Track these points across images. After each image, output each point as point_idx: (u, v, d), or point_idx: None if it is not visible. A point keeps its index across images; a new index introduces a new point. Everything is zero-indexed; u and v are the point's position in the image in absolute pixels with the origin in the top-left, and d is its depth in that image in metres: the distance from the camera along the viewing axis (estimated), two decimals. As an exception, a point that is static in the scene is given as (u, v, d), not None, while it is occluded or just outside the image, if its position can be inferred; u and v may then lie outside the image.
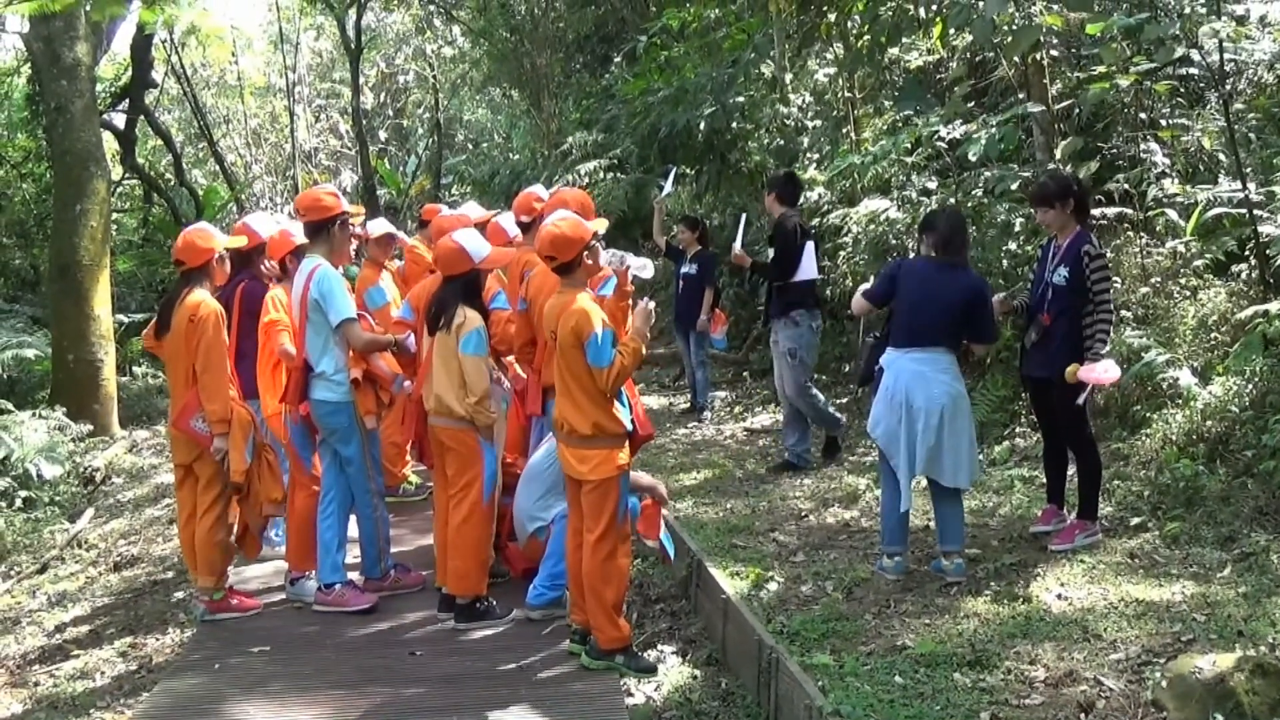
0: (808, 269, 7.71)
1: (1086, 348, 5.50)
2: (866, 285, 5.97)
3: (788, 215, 7.90)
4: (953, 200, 9.00)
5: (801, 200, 10.70)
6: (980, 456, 7.35)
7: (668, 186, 9.94)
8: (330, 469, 5.81)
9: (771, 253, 7.90)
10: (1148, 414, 6.72)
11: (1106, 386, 5.57)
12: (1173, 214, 7.71)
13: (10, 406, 10.84)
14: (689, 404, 10.60)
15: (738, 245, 8.14)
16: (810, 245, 7.79)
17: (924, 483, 5.82)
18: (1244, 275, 7.16)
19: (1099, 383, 5.55)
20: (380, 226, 7.88)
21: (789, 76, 12.61)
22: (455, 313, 5.26)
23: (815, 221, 10.17)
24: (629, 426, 4.84)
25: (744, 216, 8.41)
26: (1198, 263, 7.41)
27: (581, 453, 4.76)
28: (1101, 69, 7.63)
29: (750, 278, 11.70)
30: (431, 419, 5.45)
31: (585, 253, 4.84)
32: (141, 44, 17.22)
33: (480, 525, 5.39)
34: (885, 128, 11.10)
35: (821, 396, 7.97)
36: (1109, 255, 6.49)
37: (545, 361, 5.55)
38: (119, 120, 18.55)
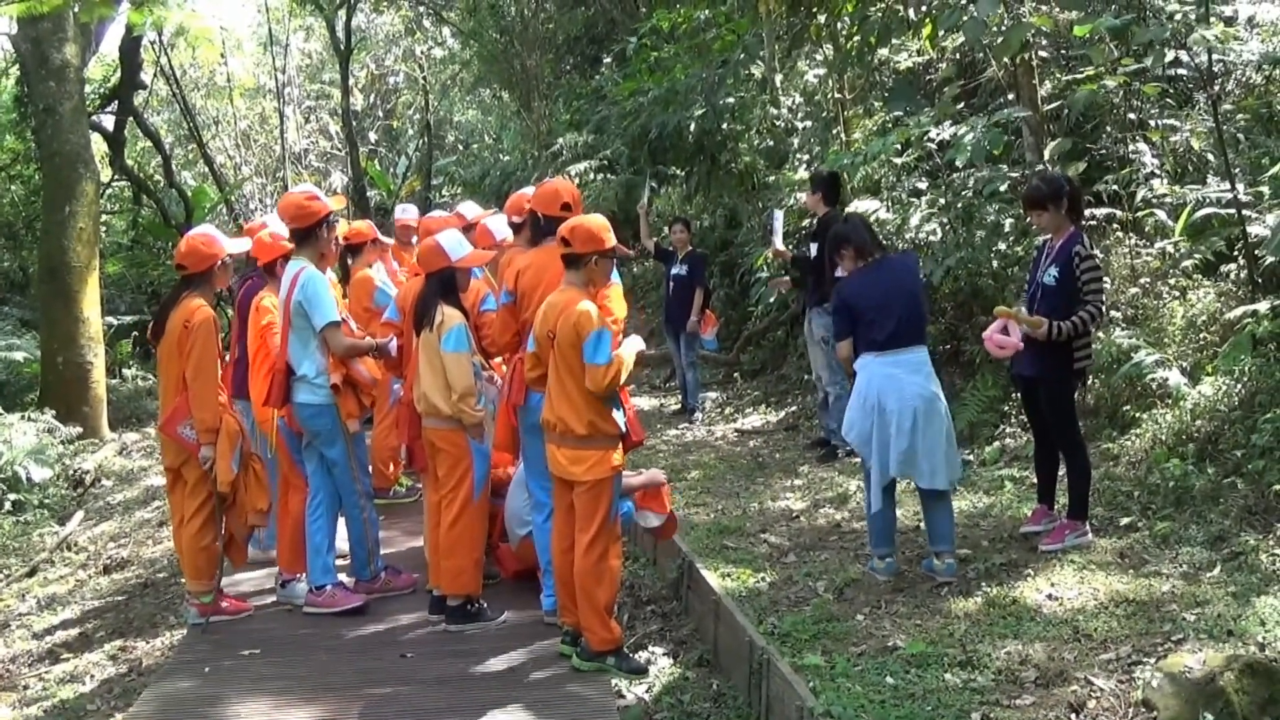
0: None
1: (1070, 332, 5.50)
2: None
3: (833, 215, 8.19)
4: (942, 201, 9.02)
5: (791, 201, 10.77)
6: (970, 457, 7.37)
7: (646, 190, 10.00)
8: (317, 472, 5.79)
9: (814, 248, 8.08)
10: (1137, 414, 6.74)
11: (998, 348, 5.60)
12: (1162, 214, 7.73)
13: (-1, 409, 10.81)
14: (680, 405, 10.61)
15: (778, 241, 8.53)
16: None
17: (913, 484, 5.82)
18: (1233, 275, 7.18)
19: (997, 342, 5.56)
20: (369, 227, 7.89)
21: (779, 77, 12.62)
22: (436, 311, 5.27)
23: (806, 222, 10.18)
24: (623, 428, 4.85)
25: (778, 214, 8.59)
26: (1187, 263, 7.43)
27: (576, 453, 4.76)
28: (1090, 70, 7.64)
29: (741, 277, 11.73)
30: (424, 420, 5.44)
31: (597, 257, 4.85)
32: (130, 45, 17.16)
33: (472, 523, 5.39)
34: (875, 129, 11.12)
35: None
36: (1099, 256, 6.50)
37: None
38: (108, 122, 18.47)
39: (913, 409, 5.31)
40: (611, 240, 4.89)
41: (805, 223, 9.77)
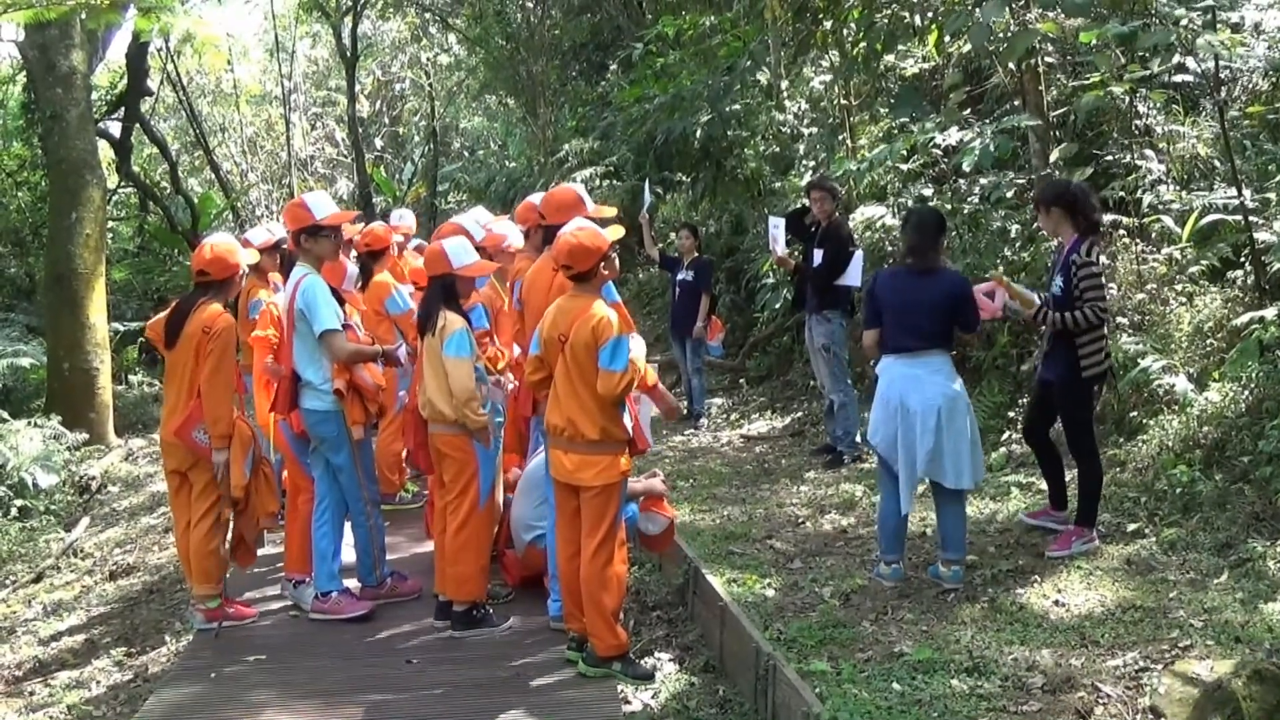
0: (853, 275, 8.00)
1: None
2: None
3: (842, 222, 8.29)
4: (948, 206, 9.01)
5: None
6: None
7: (646, 198, 9.99)
8: (323, 478, 5.79)
9: (819, 255, 8.09)
10: (1144, 420, 6.73)
11: (988, 310, 5.60)
12: (1168, 220, 7.71)
13: (6, 415, 10.81)
14: (685, 411, 10.60)
15: (780, 248, 8.48)
16: (859, 255, 8.11)
17: (922, 489, 5.81)
18: (1240, 281, 7.16)
19: (985, 306, 5.55)
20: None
21: (785, 84, 12.63)
22: (438, 316, 5.27)
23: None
24: (630, 434, 4.85)
25: (778, 220, 8.57)
26: (1193, 269, 7.41)
27: (586, 458, 4.76)
28: (1096, 76, 7.64)
29: (747, 284, 11.73)
30: (430, 426, 5.44)
31: (602, 263, 4.84)
32: (137, 52, 17.22)
33: (479, 529, 5.38)
34: (881, 135, 11.12)
35: (855, 393, 8.30)
36: (1105, 262, 6.49)
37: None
38: (114, 128, 18.54)
39: (936, 407, 5.28)
40: (605, 241, 4.86)
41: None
